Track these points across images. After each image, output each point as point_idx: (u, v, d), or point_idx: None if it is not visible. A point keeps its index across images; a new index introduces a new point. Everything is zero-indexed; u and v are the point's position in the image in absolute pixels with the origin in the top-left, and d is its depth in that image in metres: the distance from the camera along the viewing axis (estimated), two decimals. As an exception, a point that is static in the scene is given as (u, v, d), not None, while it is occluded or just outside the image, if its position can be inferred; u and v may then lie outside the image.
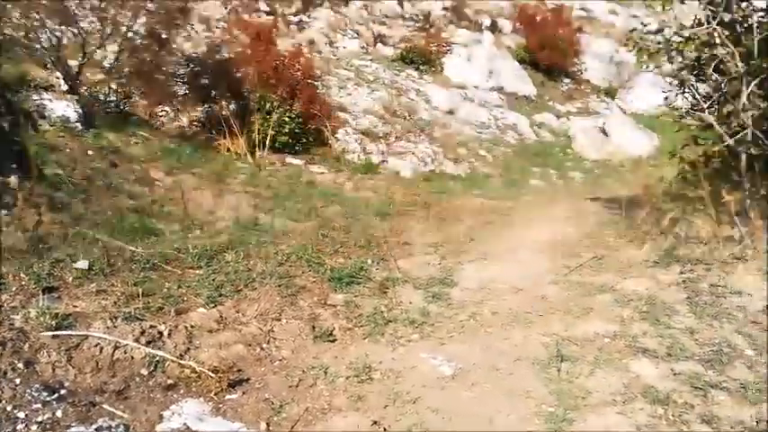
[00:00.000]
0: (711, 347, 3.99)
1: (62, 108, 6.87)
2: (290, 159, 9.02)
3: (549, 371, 3.89)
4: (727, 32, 5.58)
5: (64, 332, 3.87)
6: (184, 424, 3.36)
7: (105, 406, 3.40)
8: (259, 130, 8.68)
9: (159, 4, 7.94)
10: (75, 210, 5.41)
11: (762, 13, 5.45)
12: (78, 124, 6.86)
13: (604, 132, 13.84)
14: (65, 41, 7.72)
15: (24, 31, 7.36)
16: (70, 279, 4.46)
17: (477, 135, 12.60)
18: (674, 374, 3.73)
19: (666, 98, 6.45)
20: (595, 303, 4.86)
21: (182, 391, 3.67)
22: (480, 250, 6.65)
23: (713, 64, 5.57)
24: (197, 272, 5.14)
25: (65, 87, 7.50)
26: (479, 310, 4.95)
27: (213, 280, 5.01)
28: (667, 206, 6.13)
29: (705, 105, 5.61)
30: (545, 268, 5.99)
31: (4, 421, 3.08)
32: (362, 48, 15.16)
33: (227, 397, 3.66)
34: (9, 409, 3.16)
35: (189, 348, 4.08)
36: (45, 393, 3.36)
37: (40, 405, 3.27)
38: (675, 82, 6.31)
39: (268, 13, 14.81)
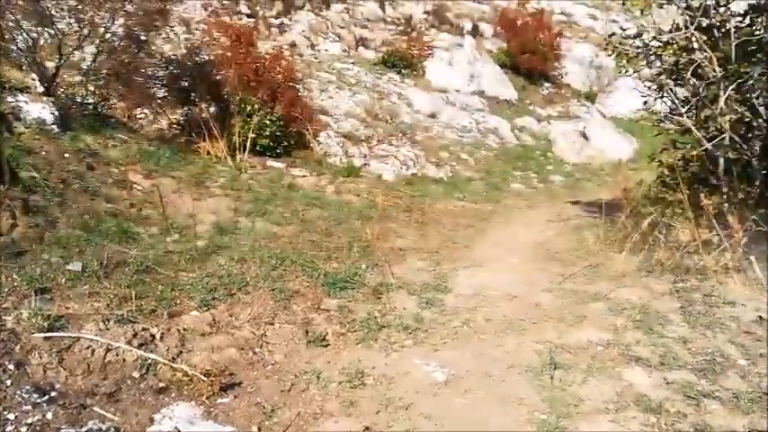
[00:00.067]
0: (704, 357, 4.00)
1: (38, 110, 6.75)
2: (271, 162, 8.95)
3: (541, 378, 3.89)
4: (704, 37, 5.64)
5: (56, 334, 3.85)
6: (175, 427, 3.36)
7: (96, 408, 3.40)
8: (239, 132, 8.61)
9: (138, 6, 7.83)
10: (50, 213, 5.32)
11: (739, 19, 5.52)
12: (55, 127, 6.74)
13: (584, 136, 13.94)
14: (41, 42, 7.60)
15: (-1, 32, 7.24)
16: (63, 281, 4.42)
17: (459, 139, 12.63)
18: (667, 383, 3.73)
19: (645, 102, 6.50)
20: (589, 311, 4.86)
21: (173, 395, 3.66)
22: (461, 255, 6.65)
23: (691, 68, 5.63)
24: (190, 275, 5.12)
25: (41, 89, 7.38)
26: (463, 316, 4.94)
27: (207, 283, 4.99)
28: (646, 210, 6.18)
29: (683, 110, 5.66)
30: (526, 273, 6.01)
31: (-6, 423, 3.04)
32: (344, 51, 15.15)
33: (219, 401, 3.65)
34: (-1, 410, 3.12)
35: (181, 351, 4.07)
36: (36, 395, 3.34)
37: (30, 407, 3.26)
38: (654, 86, 6.37)
39: (249, 16, 14.75)
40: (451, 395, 3.77)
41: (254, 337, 4.38)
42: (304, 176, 8.64)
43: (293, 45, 14.32)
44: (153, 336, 4.12)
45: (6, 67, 7.46)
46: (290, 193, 7.70)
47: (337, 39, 15.54)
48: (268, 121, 9.07)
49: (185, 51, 9.59)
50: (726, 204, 5.05)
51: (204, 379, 3.72)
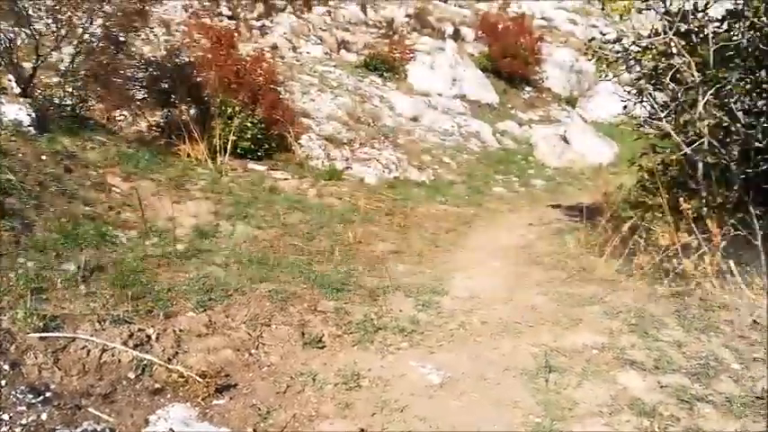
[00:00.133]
0: (698, 361, 4.01)
1: (14, 111, 6.62)
2: (252, 165, 8.89)
3: (536, 381, 3.90)
4: (683, 42, 5.70)
5: (51, 334, 3.84)
6: (170, 429, 3.36)
7: (91, 409, 3.39)
8: (220, 135, 8.54)
9: (116, 6, 7.73)
10: (27, 216, 5.22)
11: (717, 24, 5.58)
12: (31, 128, 6.62)
13: (565, 140, 14.05)
14: (18, 43, 7.47)
15: (-25, 32, 7.11)
16: (59, 281, 4.39)
17: (441, 142, 12.65)
18: (661, 387, 3.74)
19: (625, 107, 6.55)
20: (583, 314, 4.88)
21: (169, 396, 3.66)
22: (444, 258, 6.65)
23: (670, 73, 5.67)
24: (187, 275, 5.11)
25: (17, 90, 7.25)
26: (457, 319, 4.94)
27: (203, 284, 4.98)
28: (627, 214, 6.23)
29: (663, 114, 5.71)
30: (509, 276, 6.03)
31: (-12, 423, 3.02)
32: (326, 54, 15.11)
33: (215, 402, 3.65)
34: (-7, 411, 3.10)
35: (177, 352, 4.06)
36: (30, 395, 3.34)
37: (24, 407, 3.25)
38: (634, 91, 6.42)
39: (230, 18, 14.67)
40: (447, 398, 3.78)
41: (250, 339, 4.38)
42: (285, 179, 8.59)
43: (274, 47, 14.26)
44: (149, 336, 4.12)
45: (-18, 68, 7.33)
46: (271, 197, 7.64)
47: (319, 41, 15.51)
48: (249, 124, 9.01)
49: (165, 53, 9.49)
50: (705, 208, 5.10)
51: (200, 380, 3.72)
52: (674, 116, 5.79)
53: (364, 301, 5.21)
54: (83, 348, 3.79)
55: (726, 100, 5.19)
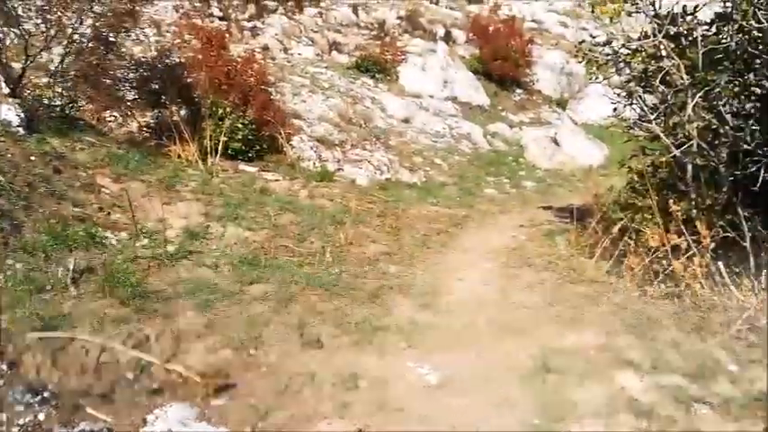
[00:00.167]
0: (696, 362, 4.01)
1: (3, 112, 6.58)
2: (243, 166, 8.86)
3: (534, 382, 3.90)
4: (672, 45, 5.73)
5: (50, 334, 3.86)
6: (168, 429, 3.37)
7: (89, 409, 3.40)
8: (211, 136, 8.50)
9: (106, 7, 7.69)
10: (15, 218, 5.19)
11: (705, 27, 5.62)
12: (20, 129, 6.58)
13: (556, 142, 14.10)
14: (7, 43, 7.42)
15: (-37, 32, 7.06)
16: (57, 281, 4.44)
17: (433, 144, 12.67)
18: (659, 388, 3.74)
19: (615, 109, 6.58)
20: (579, 315, 4.90)
21: (167, 396, 3.67)
22: (434, 260, 6.66)
23: (660, 76, 5.71)
24: (178, 277, 5.16)
25: (6, 90, 7.19)
26: (452, 320, 4.94)
27: (194, 286, 5.04)
28: (617, 215, 6.25)
29: (652, 116, 5.74)
30: (500, 278, 6.04)
31: (-15, 423, 3.02)
32: (317, 55, 15.10)
33: (213, 402, 3.66)
34: (-9, 410, 3.11)
35: (176, 353, 4.07)
36: (28, 395, 3.35)
37: (22, 407, 3.26)
38: (623, 93, 6.45)
39: (221, 19, 14.64)
40: (445, 398, 3.78)
41: (249, 339, 4.39)
42: (277, 181, 8.57)
43: (266, 48, 14.23)
44: (148, 336, 4.14)
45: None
46: (262, 198, 7.63)
47: (310, 43, 15.50)
48: (240, 125, 8.99)
49: (156, 53, 9.44)
50: (694, 210, 5.13)
51: (198, 380, 3.73)
52: (663, 118, 5.82)
53: (357, 303, 5.21)
54: (81, 348, 3.81)
55: (714, 103, 5.23)
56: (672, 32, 5.82)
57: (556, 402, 3.64)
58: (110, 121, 8.88)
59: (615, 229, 6.07)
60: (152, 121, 9.18)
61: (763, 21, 4.62)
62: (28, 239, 4.97)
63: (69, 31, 7.53)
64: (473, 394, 3.80)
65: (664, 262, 5.04)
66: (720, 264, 4.69)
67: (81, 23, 7.61)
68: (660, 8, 5.96)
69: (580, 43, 6.72)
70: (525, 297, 5.37)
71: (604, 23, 6.40)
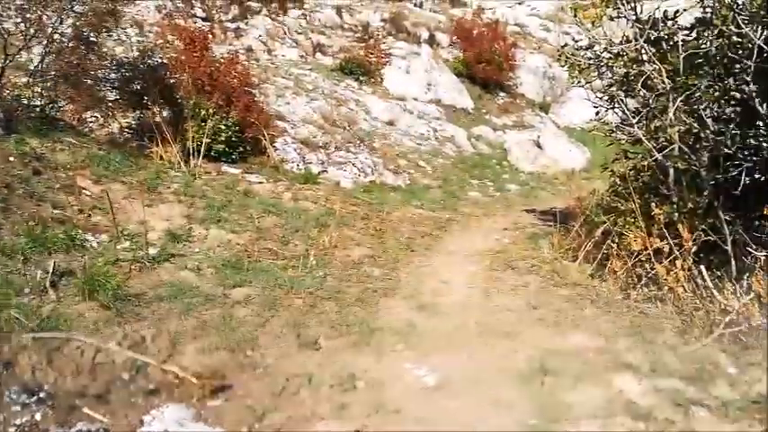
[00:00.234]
0: (694, 365, 4.02)
1: (-19, 112, 6.50)
2: (226, 168, 8.80)
3: (532, 383, 3.90)
4: (653, 50, 5.78)
5: (45, 334, 3.86)
6: (165, 430, 3.38)
7: (85, 410, 3.41)
8: (194, 138, 8.43)
9: (87, 6, 7.60)
10: (-7, 219, 5.11)
11: (686, 32, 5.67)
12: (-1, 129, 6.50)
13: (539, 146, 14.17)
14: (-15, 42, 7.31)
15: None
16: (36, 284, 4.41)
17: (417, 146, 12.68)
18: (657, 390, 3.75)
19: (598, 113, 6.62)
20: (574, 318, 4.91)
21: (163, 397, 3.67)
22: (419, 263, 6.65)
23: (641, 80, 5.75)
24: (159, 280, 5.12)
25: (-16, 90, 7.10)
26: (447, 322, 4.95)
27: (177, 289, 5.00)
28: (599, 219, 6.29)
29: (634, 120, 5.78)
30: (484, 281, 6.05)
31: (-19, 424, 3.02)
32: (301, 57, 15.06)
33: (210, 403, 3.66)
34: (-14, 411, 3.10)
35: (172, 353, 4.08)
36: (24, 395, 3.36)
37: (18, 407, 3.27)
38: (606, 97, 6.49)
39: (204, 20, 14.54)
40: (442, 399, 3.77)
41: (245, 340, 4.39)
42: (260, 183, 8.53)
43: (249, 50, 14.16)
44: (144, 337, 4.15)
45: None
46: (245, 200, 7.57)
47: (294, 44, 15.45)
48: (223, 126, 8.93)
49: (138, 54, 9.34)
50: (676, 214, 5.17)
51: (195, 381, 3.74)
52: (645, 122, 5.86)
53: (342, 306, 5.19)
54: (77, 349, 3.82)
55: (695, 107, 5.27)
56: (653, 37, 5.87)
57: (553, 404, 3.64)
58: (90, 122, 8.77)
59: (598, 233, 6.10)
60: (134, 122, 9.09)
61: (743, 26, 4.66)
62: (6, 242, 4.89)
63: (49, 30, 7.43)
64: (470, 395, 3.81)
65: (647, 265, 5.07)
66: (702, 267, 4.73)
67: (61, 23, 7.51)
68: (641, 13, 6.01)
69: (563, 47, 6.75)
70: (509, 300, 5.38)
71: (586, 28, 6.43)
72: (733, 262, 4.68)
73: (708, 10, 5.40)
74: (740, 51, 4.83)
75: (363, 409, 3.65)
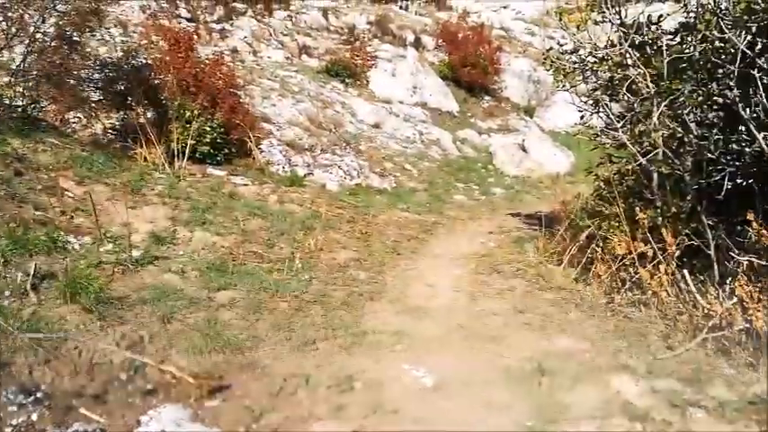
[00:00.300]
0: (691, 366, 4.04)
1: (-39, 112, 6.40)
2: (211, 170, 8.74)
3: (529, 385, 3.91)
4: (638, 54, 5.82)
5: (43, 334, 3.86)
6: (162, 430, 3.37)
7: (82, 410, 3.41)
8: (178, 139, 8.36)
9: (70, 5, 7.51)
10: (-27, 221, 5.02)
11: (670, 36, 5.72)
12: (-21, 129, 6.40)
13: (524, 149, 14.24)
14: (-34, 41, 7.21)
15: None
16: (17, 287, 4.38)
17: (403, 149, 12.68)
18: (654, 392, 3.76)
19: (582, 117, 6.66)
20: (569, 319, 4.93)
21: (161, 397, 3.67)
22: (405, 266, 6.65)
23: (626, 84, 5.79)
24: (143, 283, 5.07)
25: (-36, 90, 7.00)
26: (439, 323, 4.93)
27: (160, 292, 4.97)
28: (584, 223, 6.32)
29: (619, 125, 5.82)
30: (470, 284, 6.06)
31: (-23, 423, 3.01)
32: (287, 58, 15.01)
33: (207, 403, 3.66)
34: (-18, 411, 3.10)
35: (170, 354, 4.08)
36: (21, 396, 3.36)
37: (15, 408, 3.27)
38: (590, 101, 6.53)
39: (189, 20, 14.44)
40: (439, 400, 3.78)
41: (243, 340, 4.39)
42: (245, 185, 8.47)
43: (235, 51, 14.09)
44: (141, 337, 4.15)
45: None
46: (230, 203, 7.52)
47: (280, 46, 15.40)
48: (208, 128, 8.86)
49: (122, 54, 9.25)
50: (660, 218, 5.20)
51: (192, 381, 3.74)
52: (629, 126, 5.90)
53: (328, 309, 5.17)
54: (75, 349, 3.82)
55: (679, 111, 5.32)
56: (637, 41, 5.91)
57: (550, 405, 3.65)
58: (73, 123, 8.68)
59: (583, 237, 6.13)
60: (117, 122, 8.99)
61: (726, 31, 4.71)
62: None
63: (32, 29, 7.34)
64: (467, 396, 3.81)
65: (631, 269, 5.10)
66: (686, 271, 4.77)
67: (44, 22, 7.43)
68: (626, 17, 6.06)
69: (548, 51, 6.79)
70: (496, 304, 5.39)
71: (572, 32, 6.47)
72: (716, 266, 4.71)
73: (691, 15, 5.45)
74: (723, 56, 4.88)
75: (361, 409, 3.66)
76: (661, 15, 5.96)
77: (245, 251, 6.26)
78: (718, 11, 4.92)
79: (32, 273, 4.61)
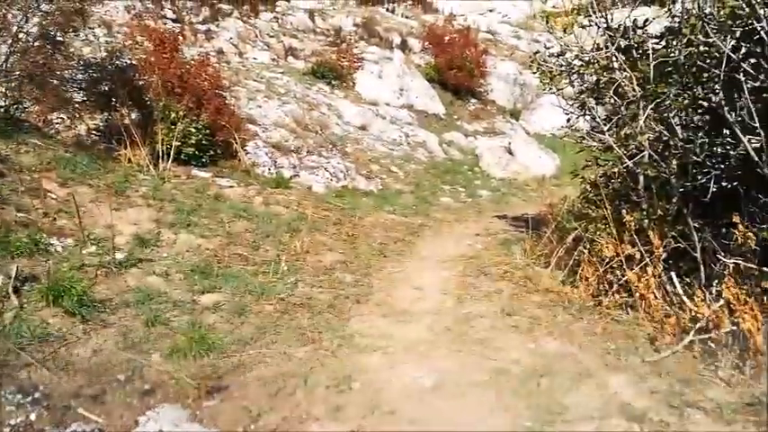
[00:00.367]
0: (680, 367, 4.03)
1: (-59, 112, 6.30)
2: (196, 172, 8.67)
3: (527, 386, 3.90)
4: (624, 57, 5.85)
5: (41, 334, 3.90)
6: (160, 430, 3.38)
7: (80, 410, 3.41)
8: (163, 140, 8.29)
9: (54, 5, 7.42)
10: (-48, 223, 4.93)
11: (656, 40, 5.75)
12: (-40, 130, 6.30)
13: (510, 152, 14.28)
14: (-54, 40, 7.11)
15: None
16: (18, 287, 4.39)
17: (389, 152, 12.67)
18: (652, 392, 3.76)
19: (569, 120, 6.68)
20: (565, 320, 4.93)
21: (159, 397, 3.67)
22: (391, 269, 6.62)
23: (612, 88, 5.81)
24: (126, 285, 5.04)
25: (-55, 90, 6.88)
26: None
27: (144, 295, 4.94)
28: (571, 225, 6.33)
29: (605, 127, 5.83)
30: (459, 286, 6.05)
31: (-25, 425, 3.00)
32: (273, 60, 14.96)
33: (205, 404, 3.65)
34: (-19, 412, 3.09)
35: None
36: (19, 396, 3.37)
37: (13, 408, 3.28)
38: (576, 104, 6.55)
39: (174, 21, 14.36)
40: (437, 401, 3.76)
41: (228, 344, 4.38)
42: (231, 187, 8.41)
43: (220, 52, 14.03)
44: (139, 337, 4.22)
45: None
46: (216, 204, 7.46)
47: (266, 47, 15.35)
48: (193, 129, 8.79)
49: (106, 54, 9.17)
50: (646, 220, 5.22)
51: (191, 382, 3.75)
52: (615, 129, 5.92)
53: (314, 313, 5.14)
54: (73, 349, 3.84)
55: (665, 114, 5.34)
56: (623, 45, 5.94)
57: (548, 406, 3.64)
58: (57, 124, 8.58)
59: (569, 239, 6.14)
60: (101, 123, 8.91)
61: (711, 35, 4.74)
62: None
63: (14, 29, 7.25)
64: (466, 397, 3.80)
65: (618, 272, 5.11)
66: (673, 274, 4.79)
67: (27, 21, 7.34)
68: (612, 20, 6.08)
69: (535, 53, 6.80)
70: (483, 307, 5.37)
71: (558, 35, 6.49)
72: (702, 269, 4.73)
73: (676, 19, 5.48)
74: (708, 60, 4.90)
75: (359, 410, 3.65)
76: (647, 19, 5.99)
77: (230, 253, 6.20)
78: (703, 15, 4.95)
79: (14, 275, 4.54)
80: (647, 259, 4.84)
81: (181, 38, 9.84)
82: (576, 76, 6.49)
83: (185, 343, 4.24)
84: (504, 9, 23.06)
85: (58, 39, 7.74)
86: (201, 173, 8.65)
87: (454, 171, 12.98)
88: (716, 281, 4.46)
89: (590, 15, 6.13)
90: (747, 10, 4.45)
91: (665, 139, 5.36)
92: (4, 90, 7.54)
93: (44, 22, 7.48)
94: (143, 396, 3.65)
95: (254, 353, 4.35)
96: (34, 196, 5.96)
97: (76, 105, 8.45)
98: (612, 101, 5.95)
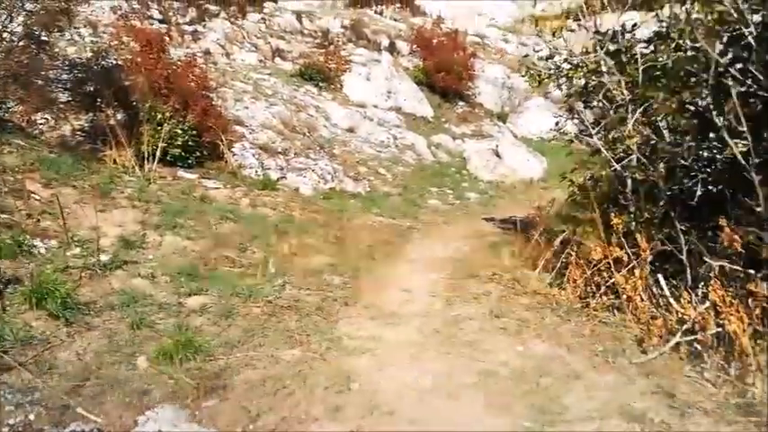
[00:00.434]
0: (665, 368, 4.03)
1: None
2: (182, 173, 8.60)
3: (527, 386, 3.90)
4: (612, 61, 5.87)
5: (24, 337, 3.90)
6: (159, 430, 3.37)
7: (79, 410, 3.40)
8: (149, 141, 8.21)
9: (39, 4, 7.34)
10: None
11: (644, 45, 5.78)
12: (-59, 130, 6.21)
13: (498, 155, 14.30)
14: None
15: None
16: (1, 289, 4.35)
17: (377, 154, 12.65)
18: (652, 393, 3.76)
19: (557, 123, 6.70)
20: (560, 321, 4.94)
21: (158, 397, 3.65)
22: (379, 271, 6.60)
23: (601, 91, 5.83)
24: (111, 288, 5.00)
25: (-74, 89, 6.78)
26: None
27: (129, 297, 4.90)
28: (559, 228, 6.34)
29: (593, 131, 5.85)
30: (448, 289, 6.04)
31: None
32: (260, 61, 14.90)
33: (204, 404, 3.64)
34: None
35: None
36: (19, 396, 3.37)
37: (12, 407, 3.27)
38: (565, 108, 6.57)
39: (161, 21, 14.26)
40: (437, 401, 3.75)
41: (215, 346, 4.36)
42: (217, 188, 8.36)
43: (207, 53, 13.94)
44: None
45: None
46: (202, 206, 7.40)
47: (253, 49, 15.28)
48: (179, 131, 8.71)
49: (91, 55, 9.08)
50: (634, 223, 5.24)
51: (190, 382, 3.75)
52: (603, 133, 5.94)
53: (302, 315, 5.10)
54: (56, 352, 3.84)
55: (653, 118, 5.37)
56: (612, 49, 5.96)
57: (548, 406, 3.64)
58: (41, 124, 8.48)
59: (557, 242, 6.15)
60: (86, 124, 8.81)
61: (699, 40, 4.77)
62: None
63: (-2, 28, 7.16)
64: (465, 397, 3.79)
65: (605, 274, 5.12)
66: (660, 276, 4.80)
67: (11, 20, 7.25)
68: (601, 25, 6.11)
69: (524, 57, 6.82)
70: (472, 309, 5.36)
71: (546, 39, 6.51)
72: (689, 271, 4.75)
73: (665, 24, 5.52)
74: (696, 65, 4.93)
75: (358, 410, 3.64)
76: (635, 24, 6.02)
77: (216, 256, 6.16)
78: (690, 20, 4.98)
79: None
80: (635, 262, 4.85)
81: (167, 38, 9.81)
82: (564, 79, 6.50)
83: (172, 346, 4.18)
84: (491, 11, 23.14)
85: (43, 38, 7.66)
86: (188, 174, 8.59)
87: (442, 174, 12.98)
88: (702, 283, 4.48)
89: (579, 19, 6.16)
90: (735, 15, 4.48)
91: (652, 142, 5.39)
92: (-13, 90, 7.44)
93: (29, 22, 7.40)
94: (142, 396, 3.63)
95: (241, 356, 4.30)
96: (17, 197, 5.89)
97: (61, 106, 8.36)
98: (601, 104, 5.98)
